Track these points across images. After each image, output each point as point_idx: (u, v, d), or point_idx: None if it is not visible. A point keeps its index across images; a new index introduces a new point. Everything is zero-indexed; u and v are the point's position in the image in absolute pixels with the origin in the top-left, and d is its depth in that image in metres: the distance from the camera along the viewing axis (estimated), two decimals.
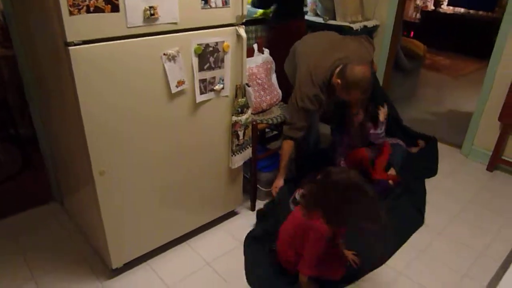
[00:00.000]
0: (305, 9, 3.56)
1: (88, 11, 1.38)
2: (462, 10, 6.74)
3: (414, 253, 2.17)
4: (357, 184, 1.55)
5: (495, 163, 3.03)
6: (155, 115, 1.73)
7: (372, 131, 2.51)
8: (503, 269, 0.89)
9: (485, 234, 2.33)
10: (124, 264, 1.93)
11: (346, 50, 2.26)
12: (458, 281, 1.99)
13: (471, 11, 6.62)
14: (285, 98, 2.51)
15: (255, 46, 2.43)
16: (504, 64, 2.86)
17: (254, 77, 2.30)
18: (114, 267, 1.88)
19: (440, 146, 3.35)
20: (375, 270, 2.03)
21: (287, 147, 2.31)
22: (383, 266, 2.06)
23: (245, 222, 2.33)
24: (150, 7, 1.54)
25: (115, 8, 1.45)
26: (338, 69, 2.15)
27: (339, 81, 2.11)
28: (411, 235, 2.30)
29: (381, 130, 2.52)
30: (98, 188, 1.65)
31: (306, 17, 3.33)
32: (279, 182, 2.36)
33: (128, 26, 1.51)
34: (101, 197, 1.68)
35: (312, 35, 2.55)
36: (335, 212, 1.57)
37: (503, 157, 3.02)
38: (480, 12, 6.49)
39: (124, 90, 1.59)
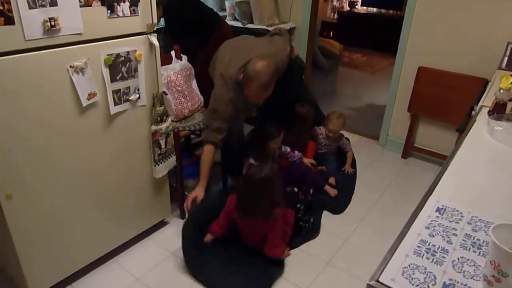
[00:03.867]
0: (224, 13, 3.61)
1: None
2: (374, 9, 7.21)
3: (340, 242, 2.29)
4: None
5: (408, 150, 3.29)
6: (66, 131, 1.65)
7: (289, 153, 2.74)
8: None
9: (400, 217, 2.50)
10: None
11: (257, 49, 2.26)
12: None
13: (383, 10, 7.12)
14: (207, 103, 2.51)
15: (173, 53, 2.40)
16: (408, 58, 3.10)
17: (173, 84, 2.28)
18: None
19: (359, 138, 3.57)
20: (305, 259, 2.13)
21: (207, 151, 2.14)
22: (310, 257, 2.15)
23: (175, 231, 2.29)
24: (50, 19, 1.47)
25: (10, 21, 1.37)
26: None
27: (242, 76, 2.09)
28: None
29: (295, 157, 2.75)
30: (7, 213, 1.55)
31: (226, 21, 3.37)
32: (199, 193, 2.11)
33: (27, 39, 1.43)
34: (11, 222, 1.57)
35: (230, 40, 2.56)
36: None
37: (415, 145, 3.28)
38: (391, 11, 6.99)
39: (27, 105, 1.50)
